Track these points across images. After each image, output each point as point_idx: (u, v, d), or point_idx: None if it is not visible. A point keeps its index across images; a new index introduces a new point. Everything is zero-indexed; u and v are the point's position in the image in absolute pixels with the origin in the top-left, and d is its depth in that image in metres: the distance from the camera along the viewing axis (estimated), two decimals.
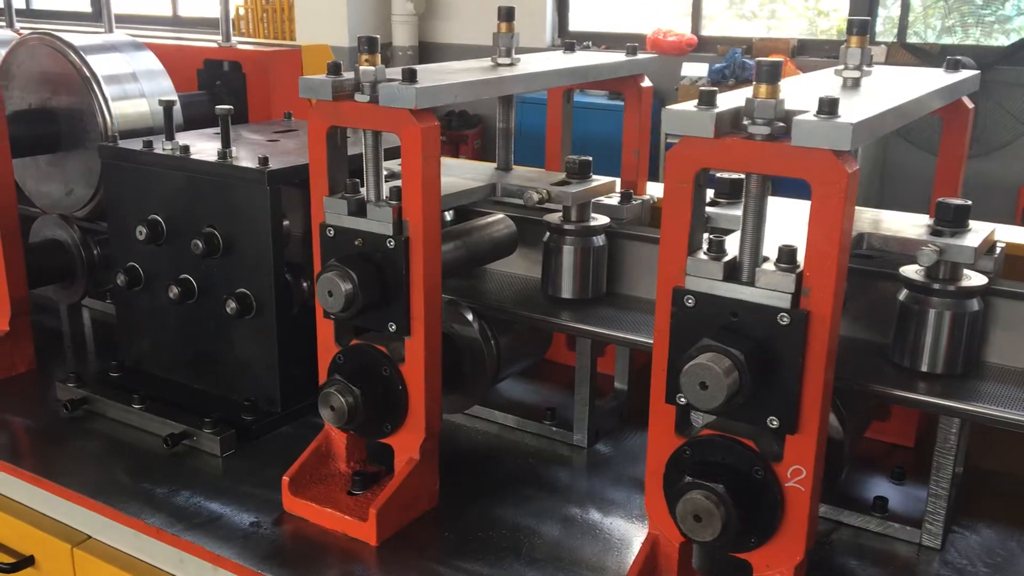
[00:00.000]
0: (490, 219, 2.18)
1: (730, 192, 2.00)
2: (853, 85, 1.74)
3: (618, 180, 2.19)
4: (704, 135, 1.40)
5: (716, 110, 1.40)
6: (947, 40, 8.04)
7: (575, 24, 9.03)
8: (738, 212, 1.49)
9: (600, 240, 2.05)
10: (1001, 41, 7.63)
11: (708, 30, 8.55)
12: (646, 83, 2.36)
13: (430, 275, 1.76)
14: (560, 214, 2.06)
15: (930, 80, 1.86)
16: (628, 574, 1.59)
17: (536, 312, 2.06)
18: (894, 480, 1.98)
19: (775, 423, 1.45)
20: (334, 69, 1.75)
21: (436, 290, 1.79)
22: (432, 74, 1.80)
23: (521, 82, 1.95)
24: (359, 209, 1.78)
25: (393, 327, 1.79)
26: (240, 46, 3.02)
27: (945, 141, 2.02)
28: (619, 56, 2.34)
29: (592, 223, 2.05)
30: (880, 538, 1.85)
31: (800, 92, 1.50)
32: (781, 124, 1.37)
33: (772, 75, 1.39)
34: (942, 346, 1.71)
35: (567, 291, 2.07)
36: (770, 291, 1.42)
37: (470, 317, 2.02)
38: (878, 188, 7.89)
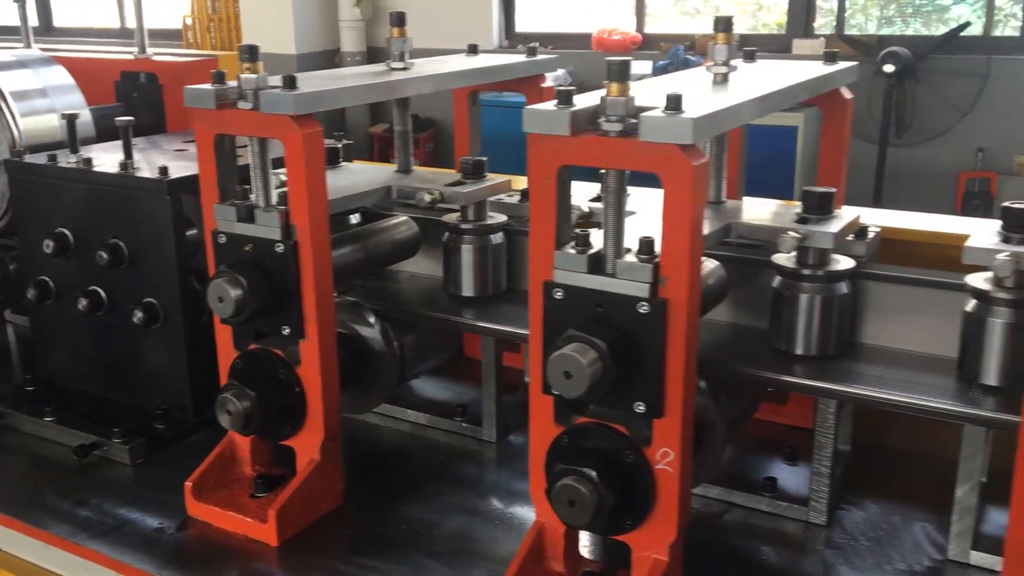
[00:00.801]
0: (392, 221, 2.22)
1: None
2: (722, 80, 1.79)
3: (513, 178, 2.24)
4: (561, 133, 1.45)
5: (572, 108, 1.45)
6: (886, 31, 8.16)
7: (521, 25, 9.08)
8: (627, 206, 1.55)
9: (498, 238, 2.09)
10: (941, 30, 7.76)
11: (653, 27, 8.64)
12: (547, 83, 2.41)
13: (321, 278, 1.79)
14: (458, 214, 2.10)
15: (803, 72, 1.93)
16: (513, 562, 1.63)
17: (438, 311, 2.10)
18: (787, 461, 2.05)
19: (641, 408, 1.50)
20: (218, 78, 1.78)
21: (328, 292, 1.82)
22: (315, 80, 1.84)
23: (407, 86, 1.99)
24: (248, 215, 1.82)
25: (287, 330, 1.82)
26: (157, 58, 3.04)
27: (825, 130, 2.08)
28: (519, 57, 2.38)
29: (489, 221, 2.09)
30: (770, 517, 1.91)
31: (659, 90, 1.55)
32: (633, 121, 1.42)
33: (621, 74, 1.44)
34: (814, 329, 1.76)
35: (468, 289, 2.11)
36: (630, 281, 1.47)
37: (371, 319, 2.05)
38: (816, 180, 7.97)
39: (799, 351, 1.78)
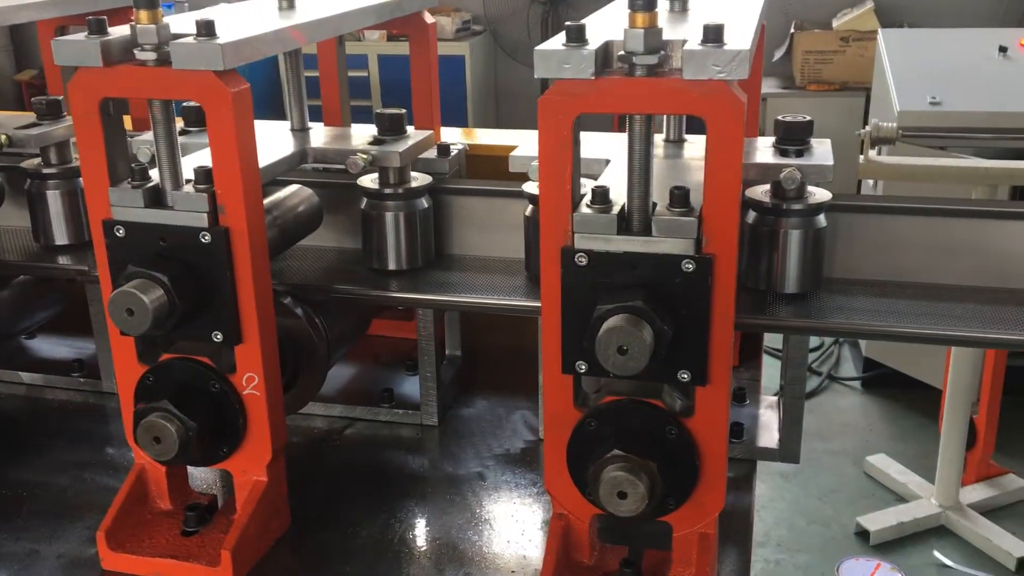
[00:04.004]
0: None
1: (196, 120, 1.96)
2: (288, 7, 1.72)
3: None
4: (95, 64, 1.38)
5: (105, 38, 1.38)
6: None
7: None
8: (204, 140, 1.51)
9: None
10: None
11: None
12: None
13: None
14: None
15: None
16: (112, 505, 1.59)
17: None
18: (408, 372, 2.13)
19: (219, 336, 1.49)
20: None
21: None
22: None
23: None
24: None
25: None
26: None
27: (412, 54, 2.07)
28: None
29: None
30: (389, 425, 2.02)
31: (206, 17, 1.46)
32: (166, 49, 1.37)
33: (150, 2, 1.37)
34: (402, 245, 1.82)
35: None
36: (189, 212, 1.44)
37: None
38: (494, 108, 8.33)
39: (391, 267, 1.83)
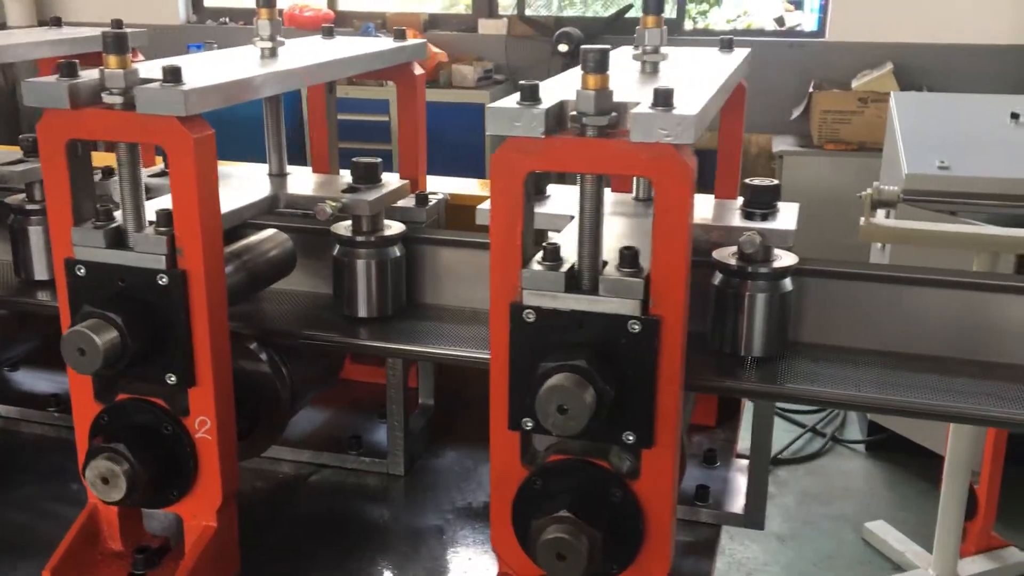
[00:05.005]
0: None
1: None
2: (270, 55, 1.79)
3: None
4: (62, 107, 1.41)
5: (73, 81, 1.41)
6: (569, 12, 8.73)
7: (211, 0, 8.54)
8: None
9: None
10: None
11: (347, 5, 8.53)
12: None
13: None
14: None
15: (360, 47, 2.03)
16: (61, 545, 1.59)
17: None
18: (381, 418, 2.07)
19: (172, 379, 1.50)
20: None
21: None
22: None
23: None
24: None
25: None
26: None
27: (400, 103, 2.13)
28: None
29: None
30: (356, 473, 2.01)
31: (190, 64, 1.54)
32: (132, 94, 1.39)
33: (118, 47, 1.40)
34: (373, 292, 1.83)
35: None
36: (148, 254, 1.46)
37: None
38: None
39: (362, 314, 1.83)
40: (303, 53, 1.86)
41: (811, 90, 7.32)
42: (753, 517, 1.83)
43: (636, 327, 1.30)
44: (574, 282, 1.34)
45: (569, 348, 1.31)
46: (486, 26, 7.93)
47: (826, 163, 7.06)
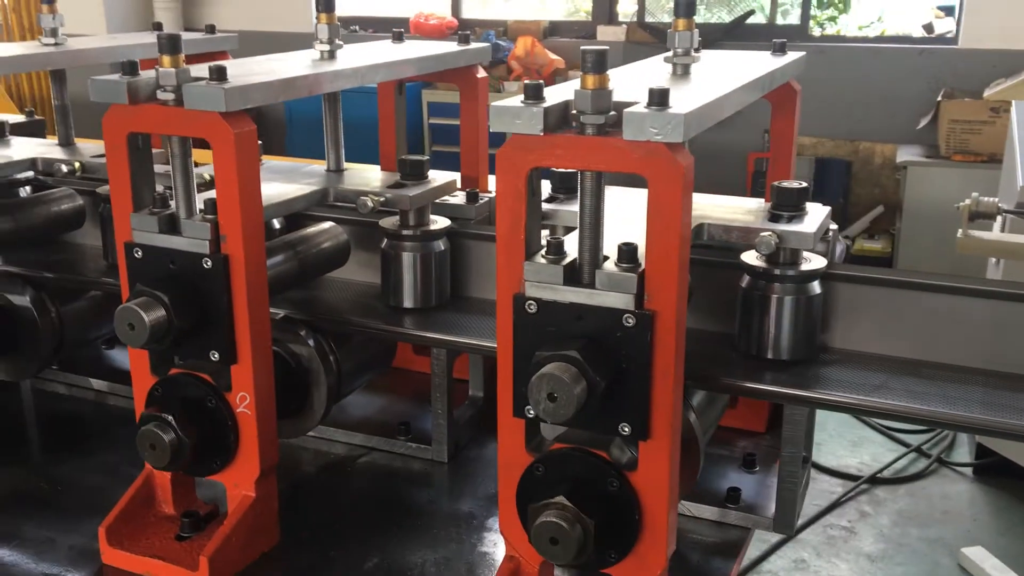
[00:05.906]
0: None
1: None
2: (329, 57, 1.92)
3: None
4: (122, 102, 1.54)
5: (133, 79, 1.54)
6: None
7: (341, 9, 8.78)
8: None
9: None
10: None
11: (470, 12, 8.65)
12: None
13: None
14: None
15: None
16: (117, 505, 1.72)
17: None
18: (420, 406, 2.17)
19: (216, 356, 1.61)
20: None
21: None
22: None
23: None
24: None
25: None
26: None
27: (463, 105, 2.19)
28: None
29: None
30: (402, 458, 2.10)
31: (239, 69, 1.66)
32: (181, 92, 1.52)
33: (172, 47, 1.51)
34: (418, 284, 1.91)
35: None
36: (194, 239, 1.57)
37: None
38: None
39: (407, 304, 1.94)
40: (360, 56, 1.97)
41: (939, 99, 7.03)
42: (783, 522, 1.82)
43: (631, 321, 1.34)
44: (575, 276, 1.39)
45: (565, 339, 1.36)
46: (605, 33, 7.98)
47: (953, 175, 6.75)
